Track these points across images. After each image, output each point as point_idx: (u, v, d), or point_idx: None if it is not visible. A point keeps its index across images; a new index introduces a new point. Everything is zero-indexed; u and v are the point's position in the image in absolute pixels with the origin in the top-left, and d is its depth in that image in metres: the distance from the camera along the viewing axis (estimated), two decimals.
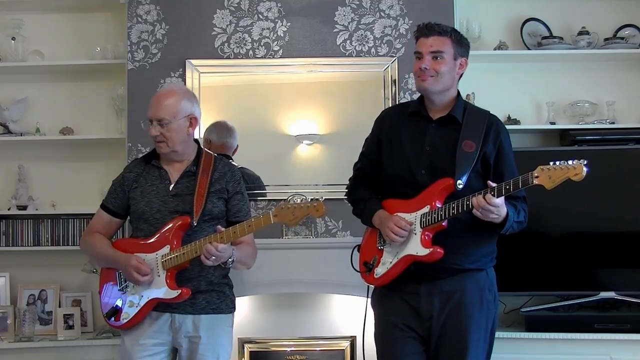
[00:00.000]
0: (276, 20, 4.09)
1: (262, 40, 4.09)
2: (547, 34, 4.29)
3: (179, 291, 2.94)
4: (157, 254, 2.99)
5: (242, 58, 4.08)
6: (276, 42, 4.09)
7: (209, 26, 4.09)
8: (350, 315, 3.93)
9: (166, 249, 2.98)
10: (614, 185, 3.99)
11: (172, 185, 3.08)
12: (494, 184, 2.69)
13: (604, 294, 3.89)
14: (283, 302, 4.08)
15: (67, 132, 4.27)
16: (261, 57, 4.08)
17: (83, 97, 4.37)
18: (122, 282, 3.08)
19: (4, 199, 4.29)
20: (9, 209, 4.22)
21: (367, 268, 2.98)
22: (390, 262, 2.90)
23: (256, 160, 4.08)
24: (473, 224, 2.81)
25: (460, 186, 2.80)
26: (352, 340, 3.95)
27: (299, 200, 2.83)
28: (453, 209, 2.76)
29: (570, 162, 2.56)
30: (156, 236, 3.02)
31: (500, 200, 2.69)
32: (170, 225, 3.00)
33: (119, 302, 3.07)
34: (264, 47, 4.09)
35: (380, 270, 2.93)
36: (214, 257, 2.86)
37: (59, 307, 4.15)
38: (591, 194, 3.92)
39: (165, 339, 3.04)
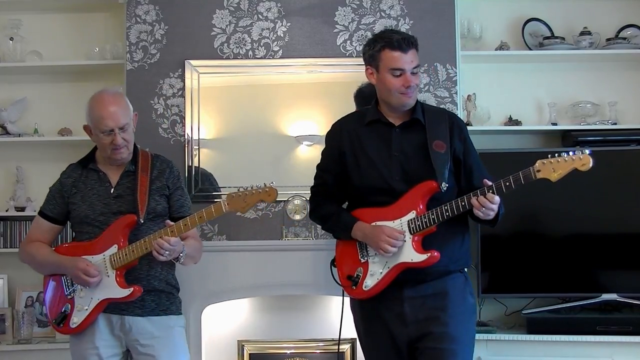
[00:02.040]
0: (276, 20, 4.07)
1: (261, 40, 4.07)
2: (549, 34, 4.27)
3: (131, 289, 2.92)
4: (104, 254, 2.97)
5: (241, 58, 4.06)
6: (276, 43, 4.06)
7: (208, 26, 4.06)
8: (351, 317, 3.90)
9: (114, 249, 2.96)
10: (616, 187, 3.97)
11: (112, 188, 3.07)
12: (490, 182, 2.70)
13: (606, 296, 3.88)
14: (283, 303, 4.06)
15: (65, 133, 4.25)
16: (261, 58, 4.06)
17: (82, 98, 4.26)
18: (69, 287, 3.06)
19: (2, 201, 4.27)
20: (7, 210, 4.20)
21: (352, 282, 2.93)
22: (381, 273, 2.87)
23: (256, 161, 4.06)
24: (455, 223, 2.81)
25: (445, 187, 2.79)
26: (353, 342, 3.92)
27: (250, 187, 2.80)
28: (447, 211, 2.74)
29: (572, 153, 2.59)
30: (101, 237, 3.00)
31: (499, 198, 2.71)
32: (116, 224, 2.98)
33: (67, 308, 3.04)
34: (263, 48, 4.06)
35: (370, 282, 2.89)
36: (167, 252, 2.85)
37: None
38: (593, 195, 3.91)
39: (118, 341, 3.03)
